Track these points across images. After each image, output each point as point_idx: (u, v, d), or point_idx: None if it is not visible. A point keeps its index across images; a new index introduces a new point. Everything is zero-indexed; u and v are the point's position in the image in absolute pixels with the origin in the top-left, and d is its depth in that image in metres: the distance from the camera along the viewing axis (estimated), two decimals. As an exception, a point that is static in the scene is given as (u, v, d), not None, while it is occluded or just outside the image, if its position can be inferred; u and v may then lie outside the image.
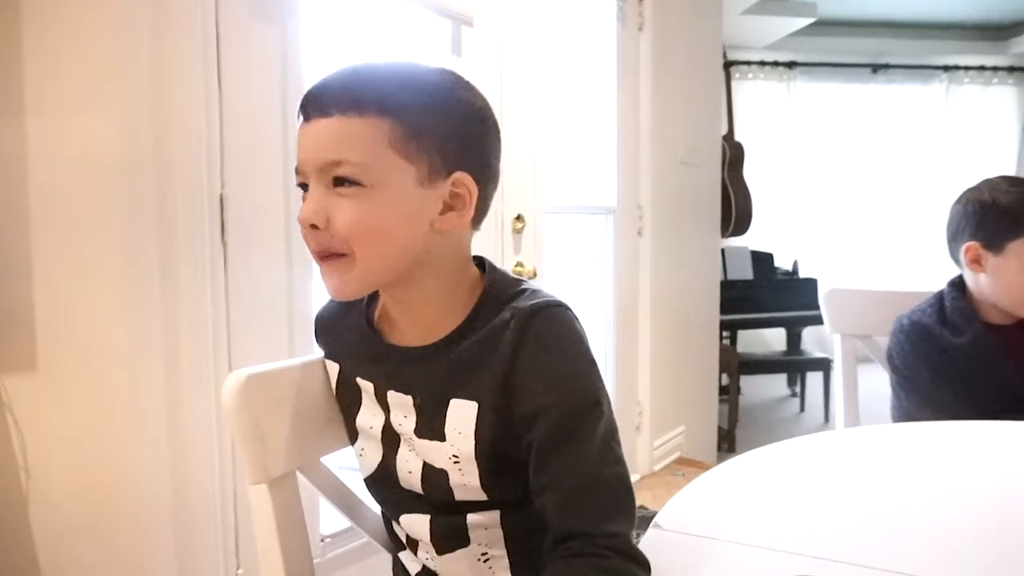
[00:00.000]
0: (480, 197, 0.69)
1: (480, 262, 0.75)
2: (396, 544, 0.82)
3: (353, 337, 0.76)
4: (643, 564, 0.63)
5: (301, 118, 0.66)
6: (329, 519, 1.55)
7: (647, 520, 2.44)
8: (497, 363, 0.67)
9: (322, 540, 1.54)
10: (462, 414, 0.69)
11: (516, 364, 0.66)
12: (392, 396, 0.73)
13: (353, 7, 1.70)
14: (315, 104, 0.65)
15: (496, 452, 0.68)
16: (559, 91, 2.36)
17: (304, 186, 0.67)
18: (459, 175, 0.67)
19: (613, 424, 0.68)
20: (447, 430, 0.70)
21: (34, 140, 1.18)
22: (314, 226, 0.64)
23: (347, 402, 0.79)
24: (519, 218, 2.13)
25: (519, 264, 2.14)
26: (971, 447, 0.96)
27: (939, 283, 1.36)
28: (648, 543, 0.67)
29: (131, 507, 1.26)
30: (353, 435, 0.79)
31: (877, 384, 3.59)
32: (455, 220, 0.68)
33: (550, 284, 2.34)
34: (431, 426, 0.71)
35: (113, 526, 1.26)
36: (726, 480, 0.82)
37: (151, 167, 1.25)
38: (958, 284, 1.28)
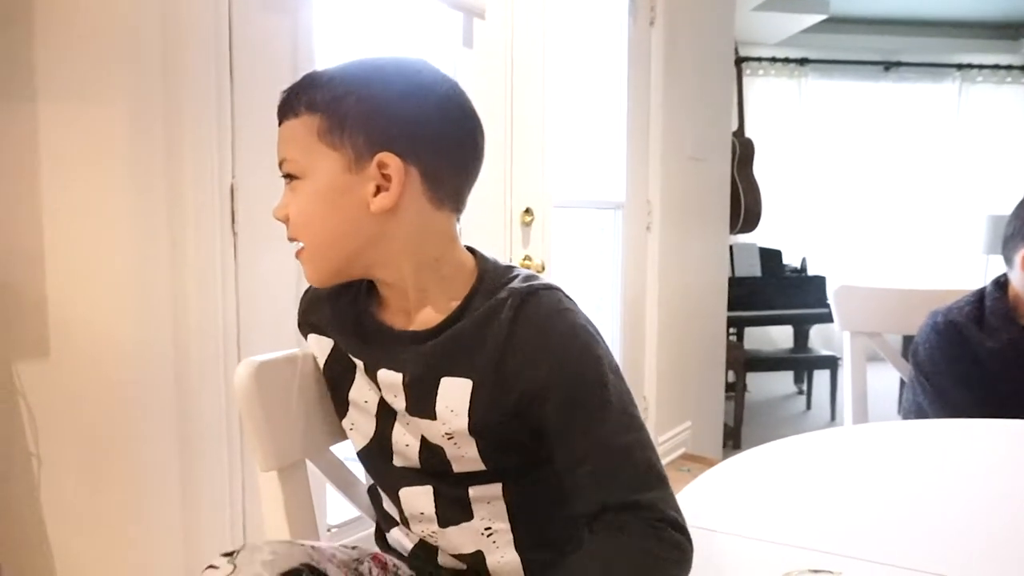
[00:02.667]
0: (424, 174, 0.70)
1: (472, 252, 0.77)
2: (387, 522, 0.82)
3: (348, 315, 0.78)
4: (685, 532, 0.64)
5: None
6: (335, 509, 1.56)
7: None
8: (491, 341, 0.68)
9: (329, 530, 1.55)
10: (455, 392, 0.70)
11: (512, 343, 0.68)
12: (382, 374, 0.74)
13: (365, -2, 1.70)
14: (278, 112, 0.73)
15: (491, 429, 0.70)
16: (570, 85, 2.35)
17: None
18: (383, 155, 0.68)
19: (625, 389, 0.69)
20: (438, 408, 0.70)
21: (45, 126, 1.19)
22: (282, 220, 0.73)
23: (339, 375, 0.79)
24: (528, 211, 2.13)
25: (527, 257, 2.13)
26: (979, 445, 0.95)
27: (948, 283, 1.34)
28: (657, 536, 0.67)
29: (139, 493, 1.27)
30: (343, 410, 0.79)
31: (885, 382, 3.58)
32: (385, 200, 0.68)
33: (558, 278, 2.33)
34: (421, 405, 0.72)
35: (122, 514, 1.27)
36: (736, 474, 0.82)
37: (161, 155, 1.25)
38: (1002, 284, 1.25)
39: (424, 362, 0.71)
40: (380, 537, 0.86)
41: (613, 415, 0.66)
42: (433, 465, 0.74)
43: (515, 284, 0.71)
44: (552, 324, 0.68)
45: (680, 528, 0.63)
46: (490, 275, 0.73)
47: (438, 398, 0.70)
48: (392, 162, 0.68)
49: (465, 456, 0.72)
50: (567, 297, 0.72)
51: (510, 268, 0.75)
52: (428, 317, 0.73)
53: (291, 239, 0.73)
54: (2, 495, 1.23)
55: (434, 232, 0.72)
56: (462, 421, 0.69)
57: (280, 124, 0.72)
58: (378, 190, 0.68)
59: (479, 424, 0.69)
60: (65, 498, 1.25)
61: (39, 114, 1.18)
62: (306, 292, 0.84)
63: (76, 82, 1.20)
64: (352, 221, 0.70)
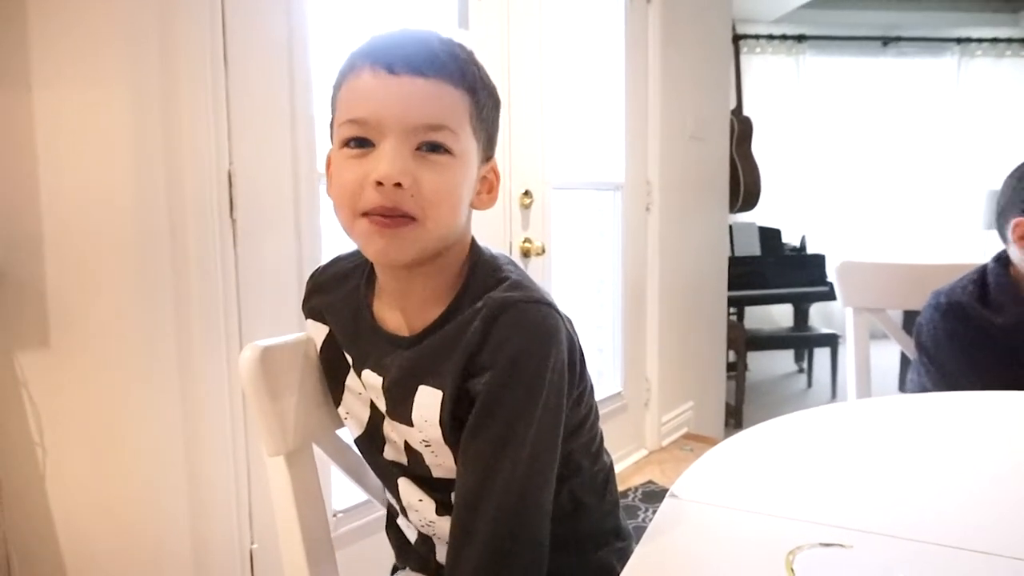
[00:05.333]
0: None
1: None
2: (391, 511, 0.83)
3: (346, 310, 0.76)
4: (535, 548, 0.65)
5: (381, 70, 0.62)
6: (341, 494, 1.56)
7: (657, 494, 2.45)
8: (461, 350, 0.65)
9: (334, 515, 1.56)
10: (428, 402, 0.68)
11: (481, 351, 0.64)
12: (366, 375, 0.73)
13: (359, -20, 1.67)
14: (407, 60, 0.62)
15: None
16: (567, 66, 2.33)
17: (361, 141, 0.63)
18: (494, 161, 0.71)
19: (551, 425, 0.65)
20: (414, 417, 0.69)
21: (42, 115, 1.18)
22: (398, 185, 0.61)
23: (335, 362, 0.78)
24: (527, 194, 2.12)
25: (527, 240, 2.13)
26: (985, 417, 0.95)
27: (948, 258, 1.34)
28: (665, 513, 0.67)
29: (145, 482, 1.28)
30: (338, 397, 0.79)
31: (888, 359, 3.56)
32: (487, 201, 0.70)
33: (559, 260, 2.33)
34: (399, 410, 0.71)
35: (128, 501, 1.27)
36: (742, 451, 0.82)
37: (159, 142, 1.24)
38: (1003, 259, 1.22)
39: (404, 368, 0.69)
40: (390, 524, 0.86)
41: (512, 450, 0.64)
42: (416, 467, 0.74)
43: (495, 293, 0.66)
44: (523, 338, 0.64)
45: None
46: (479, 275, 0.70)
47: (414, 406, 0.69)
48: (496, 167, 0.71)
49: (443, 464, 0.71)
50: (555, 315, 0.66)
51: (499, 268, 0.70)
52: (420, 317, 0.70)
53: (399, 210, 0.62)
54: (8, 486, 1.23)
55: (470, 230, 0.73)
56: (436, 431, 0.68)
57: (421, 78, 0.62)
58: (480, 188, 0.69)
59: (451, 434, 0.68)
60: (71, 488, 1.25)
61: (35, 102, 1.17)
62: (312, 276, 0.83)
63: (72, 69, 1.19)
64: (465, 210, 0.68)
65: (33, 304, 1.20)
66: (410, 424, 0.70)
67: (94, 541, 1.27)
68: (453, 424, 0.67)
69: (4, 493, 1.23)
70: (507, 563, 0.64)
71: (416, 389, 0.68)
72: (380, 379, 0.71)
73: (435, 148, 0.63)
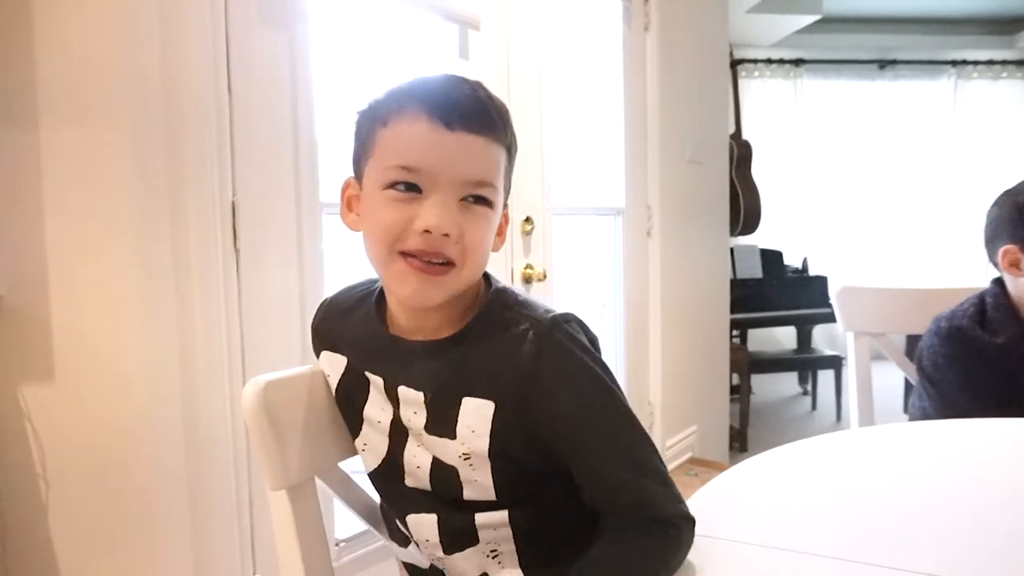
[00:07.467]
0: None
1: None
2: (400, 540, 0.82)
3: (362, 332, 0.77)
4: (683, 522, 0.67)
5: (438, 123, 0.66)
6: (343, 523, 1.56)
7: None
8: (514, 370, 0.68)
9: (337, 544, 1.55)
10: (477, 413, 0.69)
11: (536, 375, 0.68)
12: (403, 391, 0.73)
13: (361, 12, 1.70)
14: (463, 117, 0.66)
15: (509, 452, 0.69)
16: (566, 93, 2.36)
17: (410, 186, 0.67)
18: (507, 205, 0.75)
19: (628, 405, 0.73)
20: (459, 428, 0.70)
21: (47, 150, 1.20)
22: (445, 235, 0.66)
23: (353, 394, 0.78)
24: (528, 220, 2.13)
25: (529, 266, 2.14)
26: (988, 445, 0.95)
27: (949, 279, 1.35)
28: (667, 545, 0.67)
29: (148, 513, 1.27)
30: (356, 428, 0.79)
31: (891, 382, 3.57)
32: (499, 243, 0.75)
33: (560, 286, 2.34)
34: (441, 423, 0.71)
35: (131, 533, 1.27)
36: (742, 481, 0.82)
37: (163, 175, 1.26)
38: (1002, 282, 1.24)
39: (445, 379, 0.71)
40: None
41: (635, 443, 0.69)
42: (443, 489, 0.73)
43: (535, 313, 0.71)
44: (573, 357, 0.69)
45: (678, 521, 0.67)
46: (501, 294, 0.75)
47: (459, 418, 0.70)
48: (507, 211, 0.75)
49: (477, 481, 0.71)
50: (581, 325, 0.73)
51: (509, 290, 0.76)
52: (440, 328, 0.73)
53: (441, 256, 0.67)
54: (10, 517, 1.23)
55: None
56: (483, 443, 0.69)
57: (472, 135, 0.67)
58: (496, 232, 0.74)
59: (499, 447, 0.69)
60: (73, 520, 1.25)
61: (41, 140, 1.19)
62: (319, 309, 0.84)
63: (77, 107, 1.21)
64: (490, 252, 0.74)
65: (37, 337, 1.21)
66: (452, 436, 0.70)
67: (96, 574, 1.26)
68: (506, 439, 0.69)
69: (6, 525, 1.23)
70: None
71: (461, 401, 0.70)
72: (420, 394, 0.72)
73: (478, 200, 0.68)
